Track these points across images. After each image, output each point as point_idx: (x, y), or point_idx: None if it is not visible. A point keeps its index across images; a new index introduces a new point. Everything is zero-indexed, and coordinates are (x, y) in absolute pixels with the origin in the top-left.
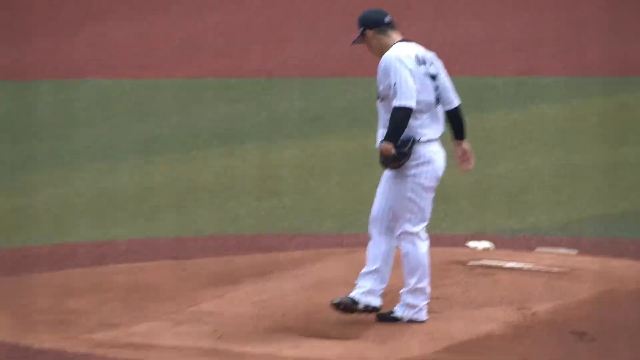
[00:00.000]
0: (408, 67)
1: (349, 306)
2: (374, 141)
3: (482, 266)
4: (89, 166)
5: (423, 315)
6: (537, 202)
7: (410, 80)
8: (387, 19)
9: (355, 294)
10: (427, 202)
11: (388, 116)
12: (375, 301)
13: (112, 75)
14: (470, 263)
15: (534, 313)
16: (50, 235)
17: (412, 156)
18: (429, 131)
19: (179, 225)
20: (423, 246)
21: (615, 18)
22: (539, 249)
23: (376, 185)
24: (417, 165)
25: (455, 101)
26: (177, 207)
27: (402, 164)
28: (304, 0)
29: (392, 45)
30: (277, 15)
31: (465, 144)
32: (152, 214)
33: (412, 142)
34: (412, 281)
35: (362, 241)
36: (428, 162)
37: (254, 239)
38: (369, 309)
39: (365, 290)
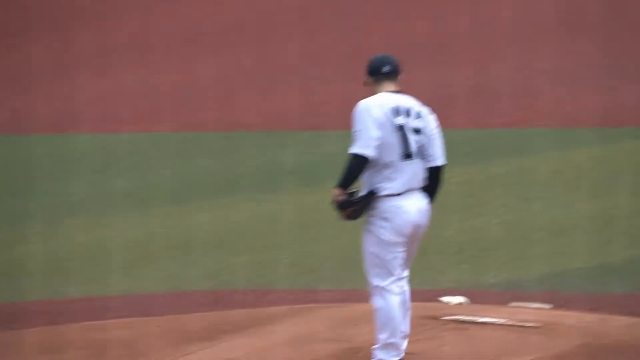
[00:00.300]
0: (374, 115)
1: None
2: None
3: (456, 321)
4: (64, 222)
5: None
6: (513, 256)
7: (372, 130)
8: (385, 69)
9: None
10: (393, 256)
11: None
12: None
13: (87, 130)
14: (444, 318)
15: None
16: (18, 292)
17: (374, 211)
18: (394, 185)
19: (154, 281)
20: (394, 300)
21: (606, 67)
22: (513, 304)
23: (351, 240)
24: (379, 219)
25: (438, 160)
26: (151, 263)
27: (354, 215)
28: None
29: (374, 92)
30: (258, 67)
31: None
32: (127, 270)
33: (369, 195)
34: (383, 336)
35: (336, 297)
36: (388, 217)
37: (229, 295)
38: None
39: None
